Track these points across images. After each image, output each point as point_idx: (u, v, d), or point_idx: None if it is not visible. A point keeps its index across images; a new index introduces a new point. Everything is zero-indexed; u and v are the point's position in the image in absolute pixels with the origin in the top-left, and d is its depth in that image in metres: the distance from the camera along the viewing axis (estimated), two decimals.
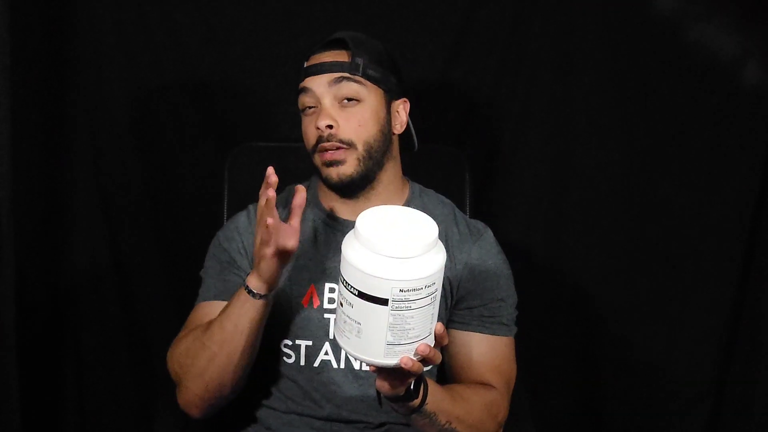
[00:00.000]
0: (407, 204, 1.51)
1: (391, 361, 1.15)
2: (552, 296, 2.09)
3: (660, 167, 2.01)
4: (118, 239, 2.04)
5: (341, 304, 1.15)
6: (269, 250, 1.29)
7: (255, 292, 1.33)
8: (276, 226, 1.27)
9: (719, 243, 2.02)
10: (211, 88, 1.99)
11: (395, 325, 1.12)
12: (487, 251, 1.51)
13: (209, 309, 1.45)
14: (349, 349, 1.16)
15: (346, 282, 1.13)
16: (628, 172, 2.02)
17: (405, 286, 1.10)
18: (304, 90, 1.44)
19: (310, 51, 1.48)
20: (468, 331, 1.47)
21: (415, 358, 1.15)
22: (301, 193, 1.31)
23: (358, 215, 1.47)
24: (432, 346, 1.16)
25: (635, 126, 2.00)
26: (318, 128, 1.41)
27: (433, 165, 1.54)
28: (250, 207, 1.54)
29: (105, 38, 1.93)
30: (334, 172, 1.42)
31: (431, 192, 1.58)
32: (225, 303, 1.43)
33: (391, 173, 1.49)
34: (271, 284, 1.34)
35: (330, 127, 1.41)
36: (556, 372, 2.15)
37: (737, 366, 2.05)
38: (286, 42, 1.96)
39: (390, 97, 1.48)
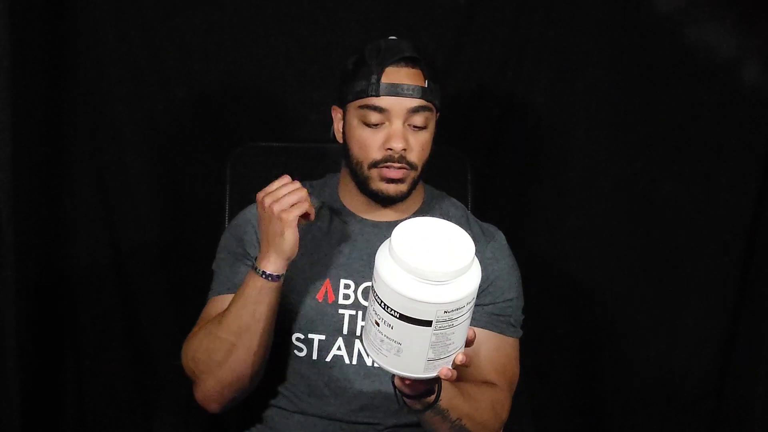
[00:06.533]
0: (424, 205, 1.54)
1: (430, 374, 1.15)
2: (552, 296, 2.09)
3: (660, 167, 2.02)
4: (119, 239, 2.04)
5: (377, 324, 1.12)
6: (293, 213, 1.32)
7: (273, 274, 1.35)
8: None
9: (719, 243, 2.03)
10: (213, 88, 1.99)
11: (437, 343, 1.11)
12: (500, 252, 1.53)
13: (223, 304, 1.45)
14: (386, 366, 1.14)
15: (385, 304, 1.09)
16: (628, 171, 2.03)
17: (449, 308, 1.09)
18: (379, 109, 1.43)
19: (380, 61, 1.42)
20: (477, 327, 1.47)
21: (452, 369, 1.15)
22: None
23: (377, 215, 1.49)
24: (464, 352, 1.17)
25: (635, 125, 2.00)
26: (391, 149, 1.42)
27: (434, 165, 1.54)
28: None
29: (106, 37, 1.93)
30: (393, 189, 1.45)
31: (444, 194, 1.60)
32: None
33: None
34: (291, 257, 1.36)
35: (404, 149, 1.43)
36: (556, 372, 2.15)
37: (737, 366, 2.05)
38: (288, 42, 1.96)
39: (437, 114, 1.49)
